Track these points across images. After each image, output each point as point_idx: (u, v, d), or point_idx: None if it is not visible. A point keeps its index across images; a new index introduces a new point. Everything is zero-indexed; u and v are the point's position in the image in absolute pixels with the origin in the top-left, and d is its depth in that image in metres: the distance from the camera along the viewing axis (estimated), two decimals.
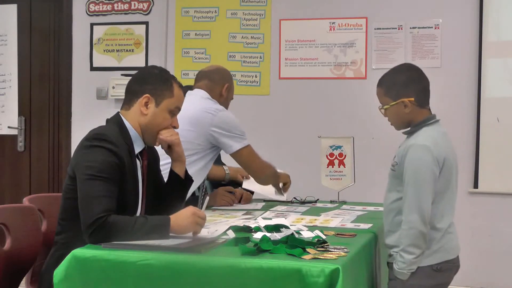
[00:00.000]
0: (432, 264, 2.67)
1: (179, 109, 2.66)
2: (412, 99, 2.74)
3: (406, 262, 2.64)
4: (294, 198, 3.60)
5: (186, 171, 2.77)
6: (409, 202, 2.64)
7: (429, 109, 2.81)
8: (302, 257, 2.14)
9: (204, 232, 2.48)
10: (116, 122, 2.59)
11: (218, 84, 3.46)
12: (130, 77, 2.71)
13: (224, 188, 3.54)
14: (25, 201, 2.91)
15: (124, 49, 5.49)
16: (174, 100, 2.62)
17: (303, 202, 3.54)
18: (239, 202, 3.52)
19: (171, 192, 2.74)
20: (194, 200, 3.34)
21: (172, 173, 2.74)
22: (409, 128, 2.80)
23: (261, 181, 3.51)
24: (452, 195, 2.75)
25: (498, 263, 4.77)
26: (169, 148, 2.70)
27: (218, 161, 3.71)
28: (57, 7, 5.64)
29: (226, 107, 3.50)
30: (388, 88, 2.78)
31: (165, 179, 2.78)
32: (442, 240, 2.69)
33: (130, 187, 2.52)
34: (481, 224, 4.79)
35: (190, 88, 3.49)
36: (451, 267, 2.74)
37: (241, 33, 5.26)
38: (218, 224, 2.75)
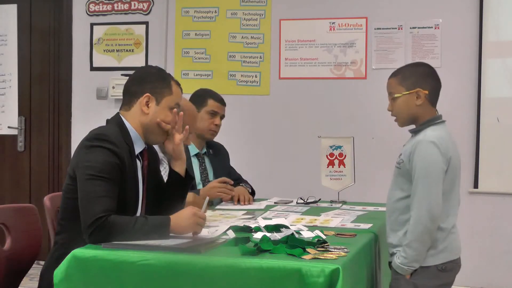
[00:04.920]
0: (437, 264, 2.67)
1: (178, 105, 2.68)
2: (427, 92, 2.73)
3: (408, 258, 2.63)
4: (301, 198, 3.58)
5: (186, 170, 2.77)
6: (418, 198, 2.61)
7: (437, 111, 2.81)
8: (302, 257, 2.14)
9: (204, 232, 2.48)
10: (116, 122, 2.59)
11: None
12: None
13: (216, 180, 3.48)
14: (46, 200, 2.90)
15: (124, 49, 5.49)
16: (173, 97, 2.63)
17: (307, 203, 3.53)
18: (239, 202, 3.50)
19: (172, 192, 2.74)
20: None
21: (172, 172, 2.74)
22: (413, 127, 2.79)
23: None
24: (456, 196, 2.74)
25: (498, 263, 4.77)
26: (169, 147, 2.70)
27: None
28: (57, 7, 5.64)
29: None
30: (405, 77, 2.75)
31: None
32: (447, 240, 2.68)
33: (130, 187, 2.52)
34: (481, 224, 4.78)
35: None
36: (454, 267, 2.74)
37: (241, 33, 5.26)
38: (218, 224, 2.75)
